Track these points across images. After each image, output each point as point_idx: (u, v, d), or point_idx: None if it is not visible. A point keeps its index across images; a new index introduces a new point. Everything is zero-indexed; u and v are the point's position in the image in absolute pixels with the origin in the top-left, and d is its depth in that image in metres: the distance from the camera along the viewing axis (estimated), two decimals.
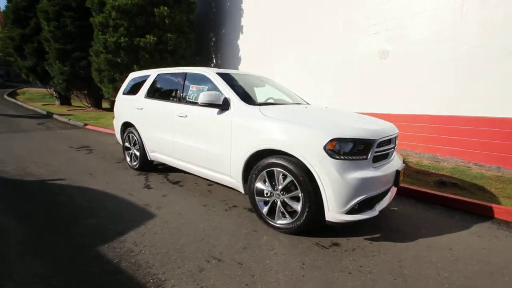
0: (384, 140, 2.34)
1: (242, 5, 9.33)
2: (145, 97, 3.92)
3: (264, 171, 2.44)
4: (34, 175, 3.79)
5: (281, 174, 2.35)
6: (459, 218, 2.86)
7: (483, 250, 2.25)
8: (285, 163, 2.28)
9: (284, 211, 2.38)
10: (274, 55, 8.00)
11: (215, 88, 2.98)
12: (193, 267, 1.91)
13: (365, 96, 5.80)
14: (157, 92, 3.80)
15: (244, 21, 9.34)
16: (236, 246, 2.19)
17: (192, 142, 3.14)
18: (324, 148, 2.10)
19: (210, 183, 3.66)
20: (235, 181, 2.78)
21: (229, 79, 3.10)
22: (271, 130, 2.39)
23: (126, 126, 4.29)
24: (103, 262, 1.93)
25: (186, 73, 3.41)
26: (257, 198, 2.56)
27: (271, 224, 2.46)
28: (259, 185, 2.52)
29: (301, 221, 2.25)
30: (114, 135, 8.03)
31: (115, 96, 9.76)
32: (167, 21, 8.93)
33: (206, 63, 11.42)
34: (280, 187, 2.36)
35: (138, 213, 2.74)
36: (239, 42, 9.64)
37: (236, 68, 9.65)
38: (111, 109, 14.34)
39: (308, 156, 2.14)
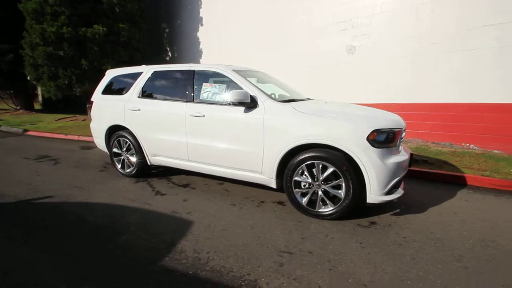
0: (404, 129, 2.71)
1: None
2: (139, 97, 3.59)
3: (304, 164, 2.58)
4: (9, 195, 3.16)
5: (321, 166, 2.53)
6: (443, 188, 3.49)
7: (476, 211, 2.84)
8: (327, 155, 2.46)
9: (326, 199, 2.57)
10: (244, 47, 7.99)
11: (236, 86, 2.95)
12: (272, 263, 1.97)
13: (336, 88, 6.34)
14: (157, 91, 3.52)
15: (203, 12, 9.01)
16: (294, 238, 2.30)
17: (212, 142, 3.06)
18: (367, 139, 2.34)
19: (221, 182, 3.62)
20: (267, 177, 2.85)
21: (247, 76, 3.08)
22: (312, 125, 2.52)
23: (114, 129, 3.86)
24: (178, 276, 1.83)
25: (194, 71, 3.25)
26: (295, 190, 2.69)
27: (312, 213, 2.62)
28: (296, 178, 2.65)
29: (345, 206, 2.48)
30: (66, 140, 7.08)
31: (57, 95, 8.49)
32: (117, 10, 8.04)
33: (159, 56, 10.69)
34: (321, 178, 2.54)
35: (173, 221, 2.60)
36: (199, 34, 9.29)
37: (198, 62, 9.31)
38: (46, 110, 12.31)
39: (353, 147, 2.36)
